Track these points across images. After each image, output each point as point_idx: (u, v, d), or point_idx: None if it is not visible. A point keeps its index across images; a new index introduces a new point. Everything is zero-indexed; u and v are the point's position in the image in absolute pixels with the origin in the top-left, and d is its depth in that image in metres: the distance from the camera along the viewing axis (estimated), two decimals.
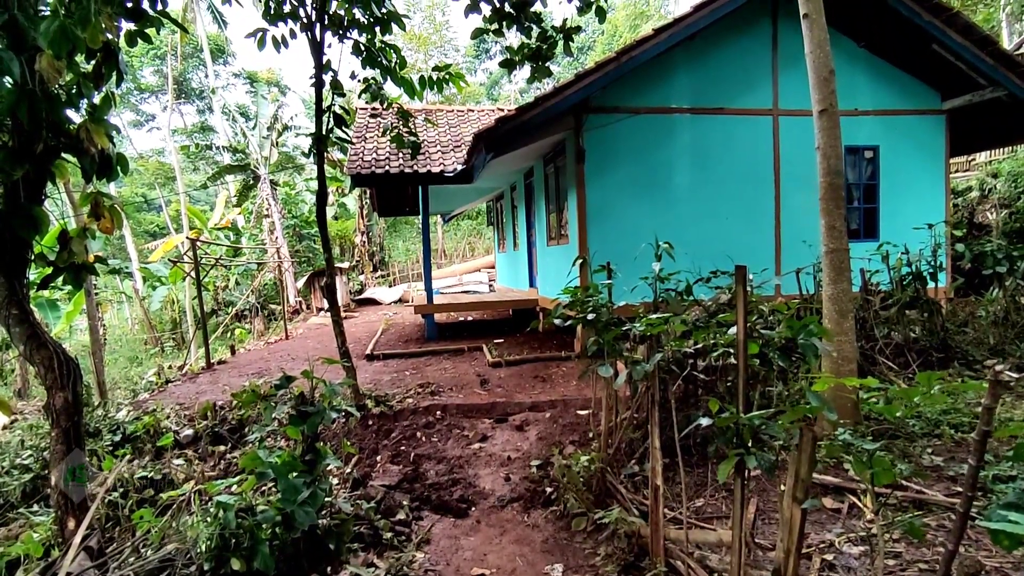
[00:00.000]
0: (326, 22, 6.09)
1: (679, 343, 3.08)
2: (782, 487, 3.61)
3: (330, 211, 25.84)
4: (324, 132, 6.14)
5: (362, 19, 6.28)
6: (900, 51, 8.75)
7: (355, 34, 6.37)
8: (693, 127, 8.45)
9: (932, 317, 6.29)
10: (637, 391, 3.79)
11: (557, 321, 3.95)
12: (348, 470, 4.93)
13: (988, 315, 6.46)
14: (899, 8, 7.92)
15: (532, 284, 12.32)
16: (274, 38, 6.01)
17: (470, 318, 14.33)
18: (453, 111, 13.02)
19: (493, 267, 20.01)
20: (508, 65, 4.83)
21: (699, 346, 3.03)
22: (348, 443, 4.76)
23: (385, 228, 28.89)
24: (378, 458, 5.14)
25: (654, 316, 2.88)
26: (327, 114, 6.22)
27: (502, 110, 12.36)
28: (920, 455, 4.23)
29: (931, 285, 6.51)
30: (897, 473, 2.24)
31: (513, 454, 5.11)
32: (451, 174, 9.43)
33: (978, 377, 5.87)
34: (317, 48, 6.14)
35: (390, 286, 24.33)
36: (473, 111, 13.15)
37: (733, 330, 2.81)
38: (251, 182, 22.07)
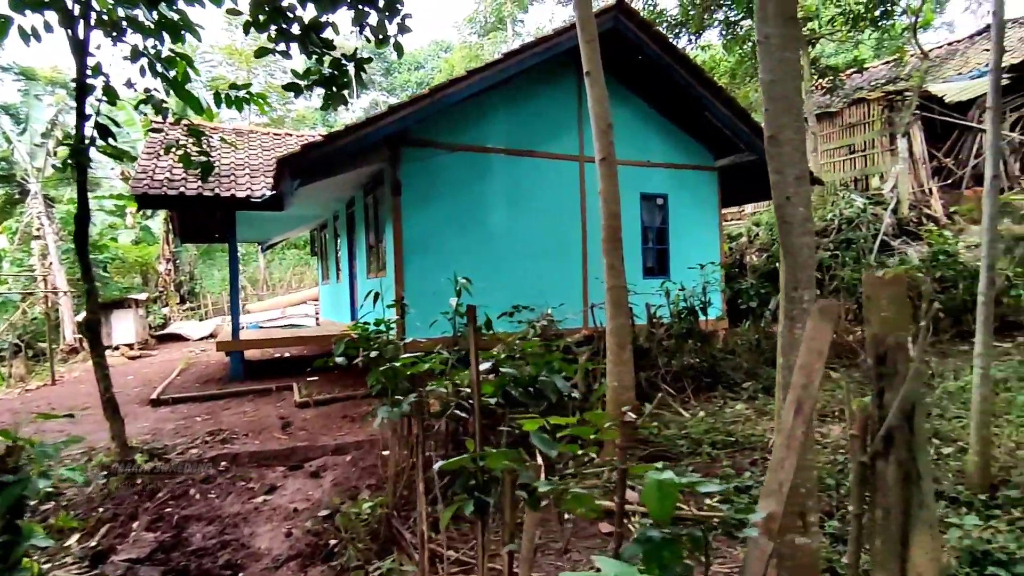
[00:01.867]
0: (92, 20, 5.33)
1: (438, 382, 3.06)
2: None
3: (129, 235, 22.67)
4: (84, 142, 5.31)
5: (146, 22, 5.62)
6: (683, 115, 10.08)
7: (136, 37, 5.67)
8: (509, 167, 8.84)
9: (704, 346, 7.15)
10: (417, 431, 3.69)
11: (340, 359, 3.73)
12: (93, 544, 4.14)
13: (743, 343, 7.52)
14: (678, 79, 9.14)
15: (353, 317, 11.84)
16: (22, 29, 5.11)
17: (287, 354, 13.32)
18: (270, 133, 12.24)
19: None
20: (293, 88, 4.61)
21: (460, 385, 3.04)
22: (68, 515, 4.00)
23: (197, 256, 26.06)
24: (135, 524, 4.40)
25: (408, 356, 2.82)
26: (90, 121, 5.40)
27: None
28: (683, 473, 4.67)
29: (702, 318, 7.41)
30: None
31: (302, 505, 4.70)
32: (259, 200, 8.76)
33: (739, 398, 6.76)
34: (79, 48, 5.34)
35: (200, 320, 21.86)
36: (292, 135, 12.49)
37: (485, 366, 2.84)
38: (16, 196, 18.58)
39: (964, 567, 3.02)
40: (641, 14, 13.79)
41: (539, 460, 2.07)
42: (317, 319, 16.80)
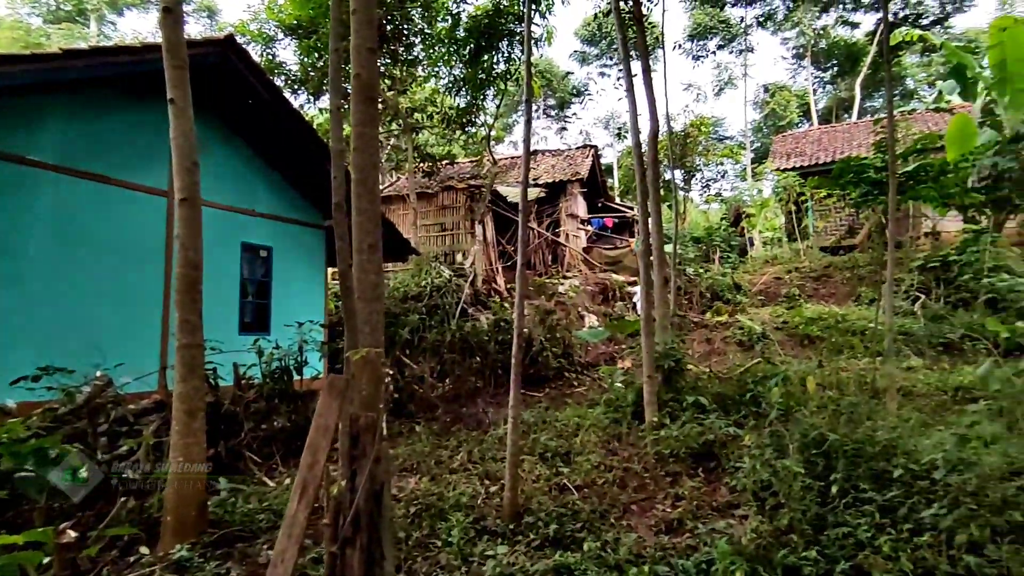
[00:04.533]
0: None
1: None
2: None
3: None
4: None
5: None
6: (294, 169, 9.96)
7: None
8: (60, 189, 6.99)
9: (298, 408, 6.88)
10: None
11: None
12: None
13: None
14: (290, 133, 9.04)
15: None
16: None
17: None
18: None
19: None
20: None
21: None
22: None
23: None
24: None
25: None
26: None
27: None
28: (259, 553, 4.25)
29: (297, 377, 7.17)
30: None
31: None
32: None
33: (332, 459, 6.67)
34: None
35: None
36: None
37: None
38: None
39: None
40: (259, 61, 13.34)
41: None
42: None
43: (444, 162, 18.31)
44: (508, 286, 15.44)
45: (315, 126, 13.96)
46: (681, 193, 24.77)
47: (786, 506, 4.03)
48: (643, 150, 7.78)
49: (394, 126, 16.58)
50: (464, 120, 15.49)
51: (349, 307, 2.49)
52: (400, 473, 6.04)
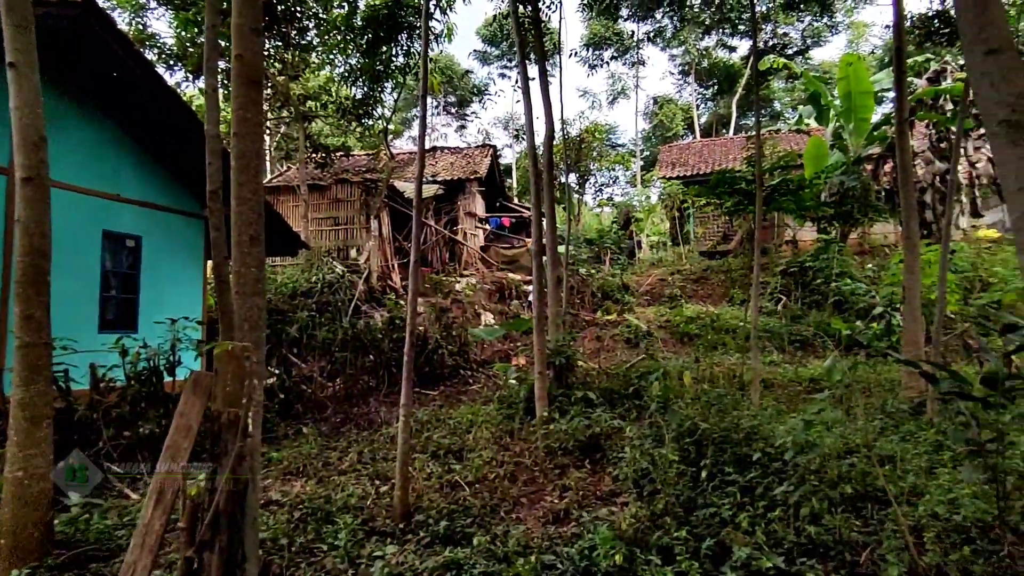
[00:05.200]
0: None
1: None
2: None
3: None
4: None
5: None
6: (168, 152, 9.13)
7: None
8: None
9: (169, 411, 6.32)
10: None
11: None
12: None
13: None
14: (164, 112, 8.27)
15: None
16: None
17: None
18: None
19: None
20: None
21: None
22: None
23: None
24: None
25: None
26: None
27: None
28: (115, 572, 3.86)
29: (168, 379, 6.59)
30: None
31: None
32: None
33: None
34: None
35: None
36: None
37: None
38: None
39: None
40: (127, 30, 12.11)
41: None
42: None
43: (339, 154, 17.64)
44: (404, 283, 15.19)
45: (195, 107, 12.89)
46: (576, 196, 25.70)
47: (662, 491, 4.33)
48: (540, 152, 7.98)
49: (285, 113, 15.73)
50: (360, 112, 15.01)
51: (225, 302, 2.33)
52: (284, 477, 5.74)
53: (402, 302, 13.36)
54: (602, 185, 37.78)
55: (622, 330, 13.54)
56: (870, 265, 14.53)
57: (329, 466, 6.09)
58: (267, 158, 24.04)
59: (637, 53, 36.54)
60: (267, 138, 19.88)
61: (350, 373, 10.03)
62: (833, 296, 13.07)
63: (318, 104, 15.44)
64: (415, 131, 38.79)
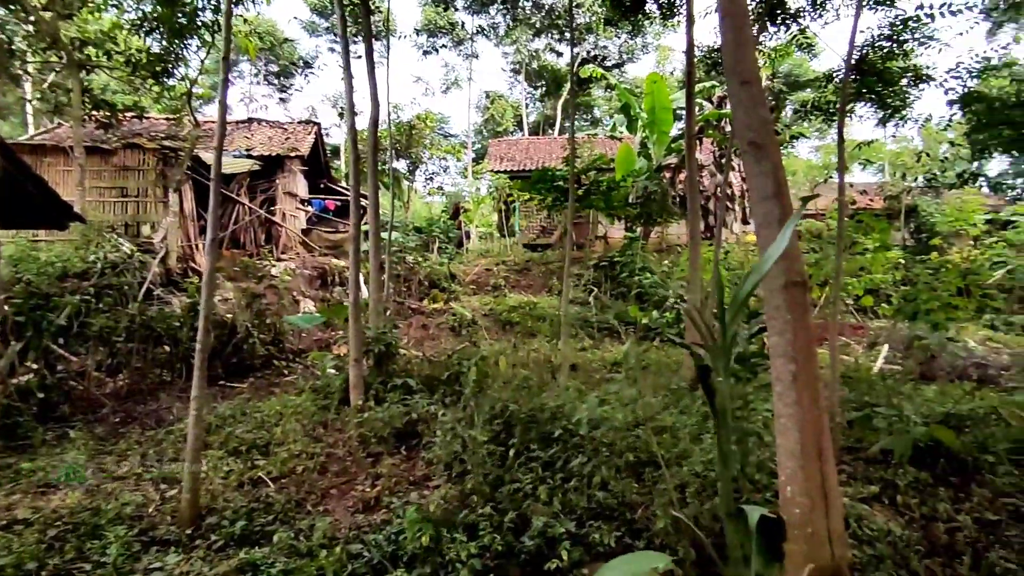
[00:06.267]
0: None
1: None
2: None
3: None
4: None
5: None
6: None
7: None
8: None
9: None
10: None
11: None
12: None
13: None
14: None
15: None
16: None
17: None
18: None
19: None
20: None
21: None
22: None
23: None
24: None
25: None
26: None
27: None
28: None
29: None
30: None
31: None
32: None
33: None
34: None
35: None
36: None
37: None
38: None
39: None
40: None
41: None
42: None
43: (130, 115, 15.21)
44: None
45: None
46: (406, 183, 25.34)
47: (471, 472, 4.47)
48: (366, 135, 7.69)
49: (53, 57, 13.14)
50: (158, 69, 13.05)
51: None
52: (36, 490, 4.83)
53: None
54: (433, 174, 37.71)
55: (448, 318, 13.72)
56: (666, 261, 16.52)
57: (102, 473, 5.27)
58: (26, 110, 19.96)
59: (471, 45, 37.03)
60: (27, 85, 16.49)
61: (138, 366, 8.79)
62: (636, 288, 14.63)
63: (100, 53, 13.11)
64: (229, 97, 34.98)
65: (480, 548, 3.58)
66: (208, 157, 14.66)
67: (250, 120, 19.33)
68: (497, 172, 21.76)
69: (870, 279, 12.26)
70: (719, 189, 17.10)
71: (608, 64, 36.60)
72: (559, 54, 39.61)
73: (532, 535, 3.65)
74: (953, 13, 6.92)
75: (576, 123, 41.17)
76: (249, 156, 16.52)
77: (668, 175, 17.46)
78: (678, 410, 5.92)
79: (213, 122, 18.72)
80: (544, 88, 41.66)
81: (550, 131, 39.33)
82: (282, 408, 6.71)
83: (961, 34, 17.00)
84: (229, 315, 10.76)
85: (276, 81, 38.22)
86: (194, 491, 4.12)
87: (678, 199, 17.41)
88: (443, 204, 28.40)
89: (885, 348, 10.09)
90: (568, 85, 36.80)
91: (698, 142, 16.93)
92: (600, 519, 3.86)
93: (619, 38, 36.33)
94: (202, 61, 14.31)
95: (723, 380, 2.07)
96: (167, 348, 9.30)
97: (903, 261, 12.98)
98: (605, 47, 37.36)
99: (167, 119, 17.17)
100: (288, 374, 10.08)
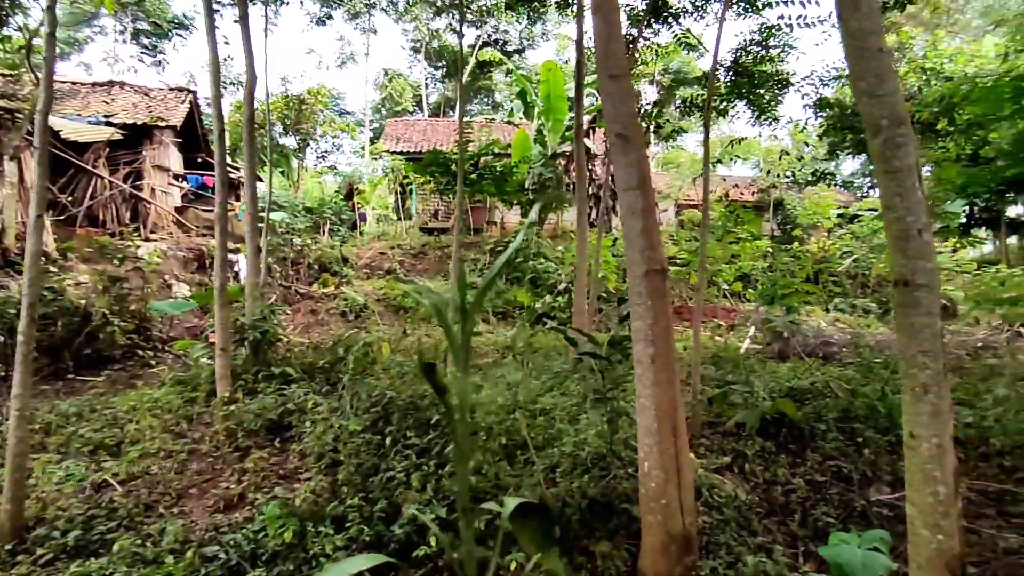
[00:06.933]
0: None
1: None
2: None
3: None
4: None
5: None
6: None
7: None
8: None
9: None
10: None
11: None
12: None
13: None
14: None
15: None
16: None
17: None
18: None
19: None
20: None
21: None
22: None
23: None
24: None
25: None
26: None
27: None
28: None
29: None
30: None
31: None
32: None
33: None
34: None
35: None
36: None
37: None
38: None
39: None
40: None
41: None
42: None
43: None
44: (62, 246, 12.16)
45: None
46: (295, 161, 23.97)
47: (344, 462, 4.32)
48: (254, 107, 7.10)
49: None
50: None
51: None
52: None
53: (53, 268, 10.68)
54: (326, 152, 35.91)
55: (339, 303, 13.22)
56: (560, 247, 16.93)
57: None
58: None
59: (369, 20, 35.52)
60: None
61: None
62: (530, 273, 14.88)
63: None
64: (89, 56, 31.25)
65: (347, 540, 3.47)
66: (61, 123, 13.00)
67: (111, 83, 17.30)
68: (393, 153, 21.15)
69: (740, 266, 13.32)
70: (611, 179, 17.78)
71: (509, 49, 36.63)
72: (460, 35, 39.09)
73: (402, 523, 3.59)
74: (808, 25, 7.57)
75: (477, 107, 40.97)
76: (109, 124, 14.80)
77: (563, 163, 17.84)
78: (559, 392, 6.09)
79: (67, 83, 16.58)
80: (445, 69, 40.97)
81: (451, 113, 38.82)
82: (139, 403, 6.12)
83: (817, 44, 18.71)
84: (82, 300, 9.66)
85: (148, 41, 34.46)
86: (16, 501, 3.64)
87: (572, 186, 17.89)
88: (337, 184, 27.20)
89: (752, 330, 11.03)
90: (469, 67, 36.45)
91: (591, 132, 17.44)
92: (473, 503, 3.88)
93: (520, 23, 36.41)
94: (49, 10, 12.54)
95: (463, 375, 2.12)
96: (2, 339, 8.17)
97: (771, 250, 14.24)
98: (507, 31, 37.32)
99: (2, 76, 14.95)
100: (155, 365, 9.22)
